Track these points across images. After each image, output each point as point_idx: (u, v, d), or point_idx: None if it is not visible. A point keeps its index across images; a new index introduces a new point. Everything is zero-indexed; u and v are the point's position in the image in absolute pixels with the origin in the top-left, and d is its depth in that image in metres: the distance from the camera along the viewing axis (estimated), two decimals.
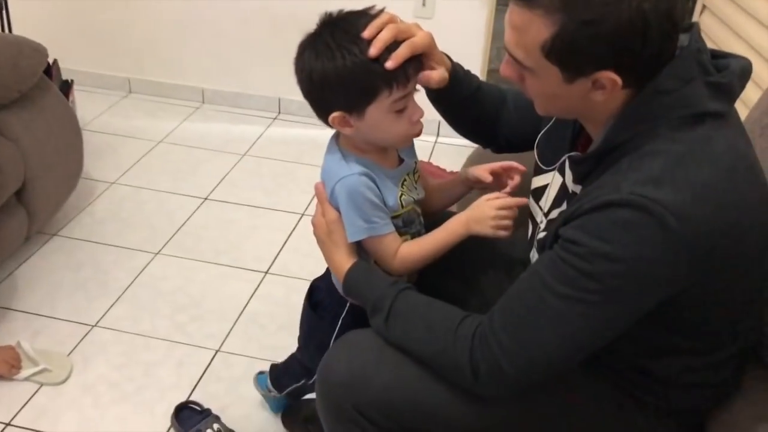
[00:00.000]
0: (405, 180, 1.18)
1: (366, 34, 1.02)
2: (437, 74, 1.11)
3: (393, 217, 1.15)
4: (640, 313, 0.92)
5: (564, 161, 1.06)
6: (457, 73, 1.22)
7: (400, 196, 1.16)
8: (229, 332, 1.93)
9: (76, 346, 1.85)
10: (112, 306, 2.00)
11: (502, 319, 0.95)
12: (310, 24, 1.08)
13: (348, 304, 1.22)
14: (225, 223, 2.40)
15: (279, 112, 3.12)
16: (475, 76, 1.27)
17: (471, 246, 1.17)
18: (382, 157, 1.16)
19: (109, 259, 2.18)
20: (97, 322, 1.94)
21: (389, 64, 1.02)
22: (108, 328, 1.92)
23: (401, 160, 1.20)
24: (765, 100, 1.31)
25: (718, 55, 0.96)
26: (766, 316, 1.07)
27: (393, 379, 1.04)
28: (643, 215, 0.84)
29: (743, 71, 0.94)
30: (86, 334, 1.89)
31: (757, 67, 1.83)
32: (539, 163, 1.15)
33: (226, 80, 3.14)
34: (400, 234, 1.17)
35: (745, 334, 1.04)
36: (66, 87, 2.65)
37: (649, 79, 0.89)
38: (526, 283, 0.95)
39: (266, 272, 2.15)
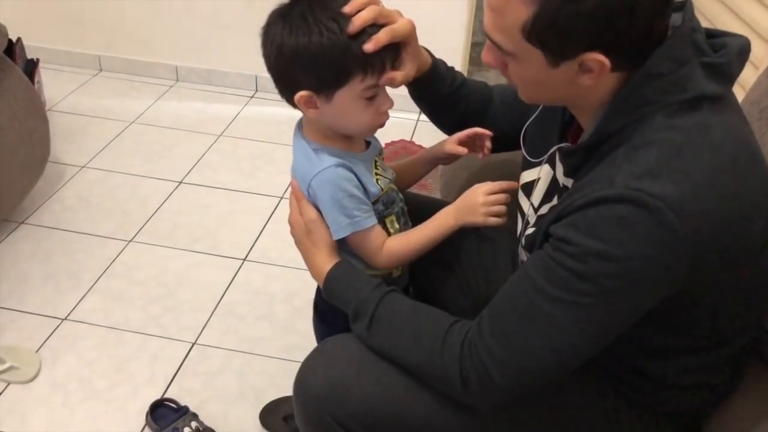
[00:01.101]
0: (377, 161, 1.12)
1: (347, 9, 0.95)
2: (400, 75, 1.05)
3: (373, 203, 1.09)
4: (638, 315, 0.86)
5: (554, 153, 0.99)
6: (438, 69, 1.15)
7: (377, 180, 1.10)
8: (205, 324, 1.86)
9: (45, 342, 1.77)
10: (82, 298, 1.91)
11: (491, 326, 0.89)
12: None
13: None
14: (201, 207, 2.31)
15: (256, 90, 3.01)
16: (459, 73, 1.21)
17: (458, 240, 1.11)
18: (350, 144, 1.09)
19: (79, 247, 2.10)
20: (67, 315, 1.86)
21: (368, 47, 0.95)
22: (79, 322, 1.84)
23: (367, 143, 1.13)
24: (764, 81, 1.24)
25: (714, 35, 0.89)
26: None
27: (375, 389, 0.97)
28: (639, 211, 0.78)
29: (742, 50, 0.87)
30: (56, 329, 1.81)
31: (755, 46, 1.78)
32: (527, 156, 1.09)
33: (201, 57, 3.02)
34: (384, 215, 1.11)
35: (746, 331, 0.99)
36: (31, 66, 2.53)
37: (641, 61, 0.83)
38: (517, 286, 0.89)
39: (244, 259, 2.08)
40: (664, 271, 0.81)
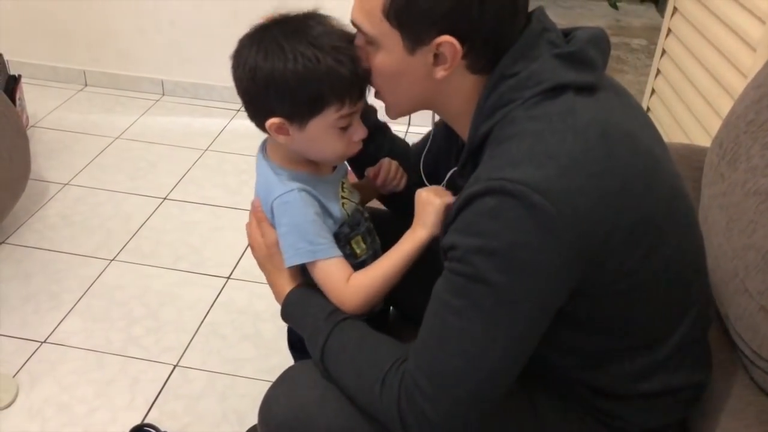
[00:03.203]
0: (343, 183, 1.08)
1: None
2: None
3: (339, 226, 1.05)
4: (549, 313, 0.83)
5: (451, 178, 1.00)
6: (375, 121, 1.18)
7: (343, 204, 1.06)
8: (188, 345, 1.82)
9: (23, 366, 1.73)
10: (63, 319, 1.87)
11: (416, 358, 0.85)
12: (272, 10, 0.98)
13: None
14: (185, 224, 2.27)
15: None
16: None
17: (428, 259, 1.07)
18: (316, 168, 1.05)
19: (60, 267, 2.06)
20: (47, 338, 1.81)
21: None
22: (58, 344, 1.80)
23: (334, 167, 1.10)
24: (750, 93, 1.21)
25: (568, 33, 0.91)
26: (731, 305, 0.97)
27: (338, 417, 0.94)
28: (504, 199, 0.77)
29: (593, 37, 0.88)
30: (34, 352, 1.77)
31: (743, 55, 1.76)
32: (427, 183, 1.08)
33: (187, 70, 2.99)
34: (350, 237, 1.07)
35: (686, 319, 0.93)
36: (13, 83, 2.50)
37: (495, 63, 0.85)
38: (430, 309, 0.86)
39: (228, 277, 2.04)
40: (552, 256, 0.78)
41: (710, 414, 0.99)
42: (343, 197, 1.07)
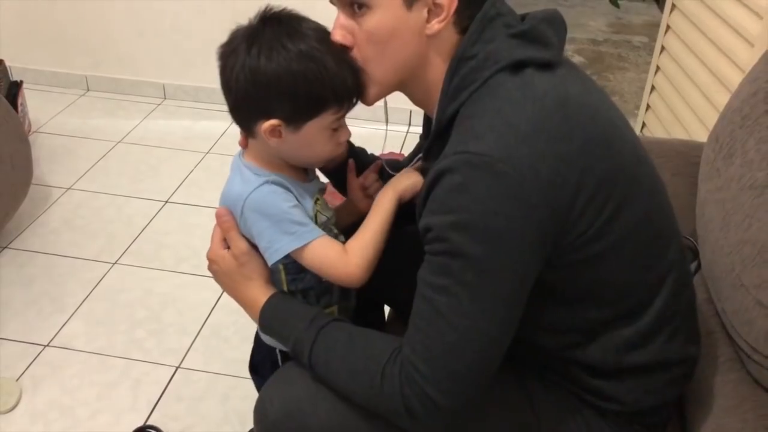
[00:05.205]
0: (318, 199, 1.06)
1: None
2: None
3: None
4: (530, 278, 0.84)
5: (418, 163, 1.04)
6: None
7: (316, 213, 1.04)
8: (190, 347, 1.82)
9: (26, 370, 1.74)
10: (65, 323, 1.88)
11: (411, 343, 0.86)
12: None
13: (279, 352, 1.12)
14: (187, 227, 2.28)
15: None
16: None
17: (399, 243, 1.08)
18: (293, 172, 1.04)
19: (63, 271, 2.07)
20: (50, 341, 1.82)
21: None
22: (61, 348, 1.81)
23: (309, 178, 1.08)
24: (745, 87, 1.21)
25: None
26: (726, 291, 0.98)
27: (332, 416, 0.94)
28: (469, 171, 0.79)
29: (548, 16, 0.91)
30: (37, 356, 1.78)
31: (740, 49, 1.76)
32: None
33: (188, 74, 3.00)
34: None
35: (666, 286, 0.94)
36: (15, 89, 2.51)
37: (472, 20, 0.88)
38: (417, 294, 0.87)
39: None
40: (524, 221, 0.80)
41: (706, 408, 0.99)
42: (317, 211, 1.05)
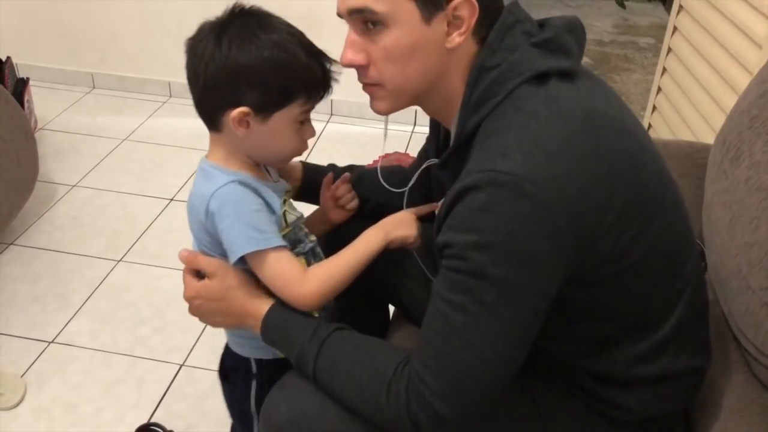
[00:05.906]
0: (285, 199, 1.06)
1: None
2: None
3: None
4: (548, 299, 0.83)
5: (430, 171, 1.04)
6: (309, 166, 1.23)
7: (284, 212, 1.03)
8: (194, 345, 1.83)
9: (30, 366, 1.74)
10: (70, 320, 1.89)
11: (420, 357, 0.85)
12: (274, 12, 0.99)
13: (254, 360, 1.10)
14: None
15: None
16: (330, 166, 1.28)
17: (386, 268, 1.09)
18: (258, 173, 1.03)
19: (68, 268, 2.07)
20: (54, 338, 1.83)
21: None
22: (66, 344, 1.81)
23: (274, 179, 1.08)
24: (753, 89, 1.20)
25: (543, 23, 0.92)
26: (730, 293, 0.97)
27: (338, 425, 0.93)
28: (495, 191, 0.77)
29: (568, 24, 0.89)
30: (42, 352, 1.78)
31: (748, 51, 1.75)
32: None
33: None
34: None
35: (682, 300, 0.93)
36: (21, 86, 2.52)
37: (490, 28, 0.87)
38: (431, 308, 0.86)
39: None
40: (548, 243, 0.79)
41: (713, 411, 0.99)
42: (285, 209, 1.03)
